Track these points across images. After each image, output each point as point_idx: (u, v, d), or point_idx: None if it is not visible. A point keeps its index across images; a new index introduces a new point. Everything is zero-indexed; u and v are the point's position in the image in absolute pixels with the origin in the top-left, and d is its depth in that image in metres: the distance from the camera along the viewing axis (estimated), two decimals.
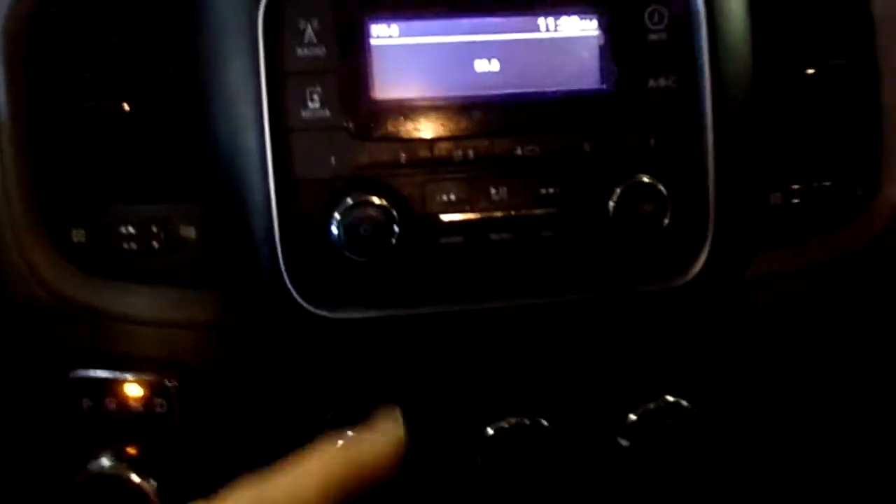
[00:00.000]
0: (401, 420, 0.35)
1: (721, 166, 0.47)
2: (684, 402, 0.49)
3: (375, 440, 0.34)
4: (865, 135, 0.52)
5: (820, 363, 0.54)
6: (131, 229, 0.47)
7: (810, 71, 0.51)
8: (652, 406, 0.49)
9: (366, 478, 0.32)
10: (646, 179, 0.45)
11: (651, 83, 0.46)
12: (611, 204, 0.45)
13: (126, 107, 0.46)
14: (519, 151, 0.46)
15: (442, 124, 0.45)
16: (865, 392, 0.56)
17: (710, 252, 0.47)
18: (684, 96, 0.46)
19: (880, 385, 0.56)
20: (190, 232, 0.48)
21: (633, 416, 0.49)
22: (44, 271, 0.47)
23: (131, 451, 0.49)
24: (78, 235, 0.48)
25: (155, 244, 0.47)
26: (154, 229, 0.47)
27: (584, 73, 0.46)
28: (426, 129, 0.45)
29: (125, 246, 0.47)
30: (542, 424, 0.48)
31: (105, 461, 0.48)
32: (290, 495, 0.30)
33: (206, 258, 0.48)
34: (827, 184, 0.52)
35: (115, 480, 0.47)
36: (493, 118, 0.45)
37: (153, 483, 0.48)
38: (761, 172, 0.50)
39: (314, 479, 0.31)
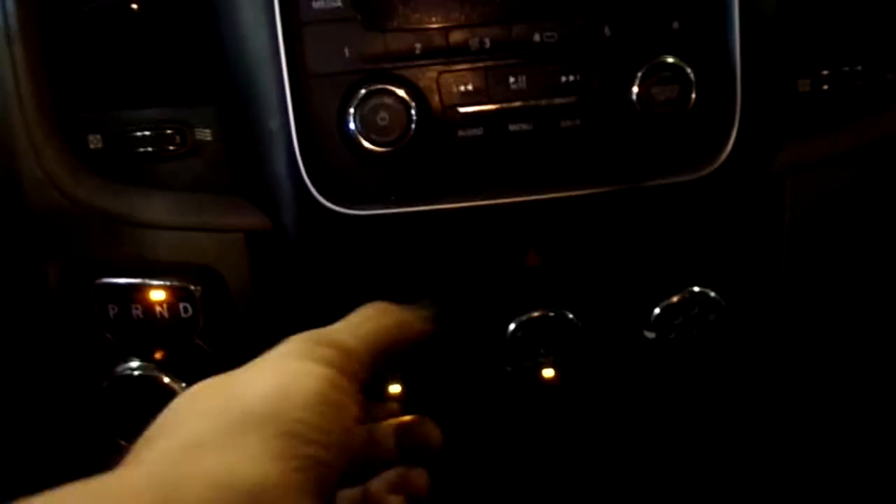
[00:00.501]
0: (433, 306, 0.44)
1: (747, 49, 0.45)
2: (712, 293, 0.48)
3: (411, 310, 0.42)
4: None
5: (846, 256, 0.53)
6: (147, 133, 0.47)
7: None
8: (677, 298, 0.48)
9: (401, 337, 0.40)
10: (670, 60, 0.44)
11: None
12: (634, 89, 0.44)
13: (134, 6, 0.46)
14: (537, 38, 0.44)
15: (457, 11, 0.44)
16: (891, 285, 0.55)
17: (736, 140, 0.46)
18: None
19: None
20: (206, 134, 0.47)
21: (657, 310, 0.49)
22: (62, 178, 0.47)
23: (158, 356, 0.50)
24: (94, 141, 0.48)
25: (171, 147, 0.47)
26: (169, 132, 0.47)
27: None
28: (440, 17, 0.44)
29: (141, 150, 0.47)
30: (568, 317, 0.48)
31: (133, 364, 0.49)
32: (342, 340, 0.36)
33: (223, 161, 0.48)
34: (858, 69, 0.50)
35: (144, 381, 0.48)
36: (509, 3, 0.44)
37: (182, 385, 0.49)
38: (789, 57, 0.48)
39: (363, 329, 0.38)
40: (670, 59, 0.44)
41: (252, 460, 0.29)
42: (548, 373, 0.49)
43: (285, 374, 0.33)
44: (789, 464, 0.60)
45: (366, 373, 0.37)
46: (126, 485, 0.28)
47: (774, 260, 0.50)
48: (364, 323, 0.39)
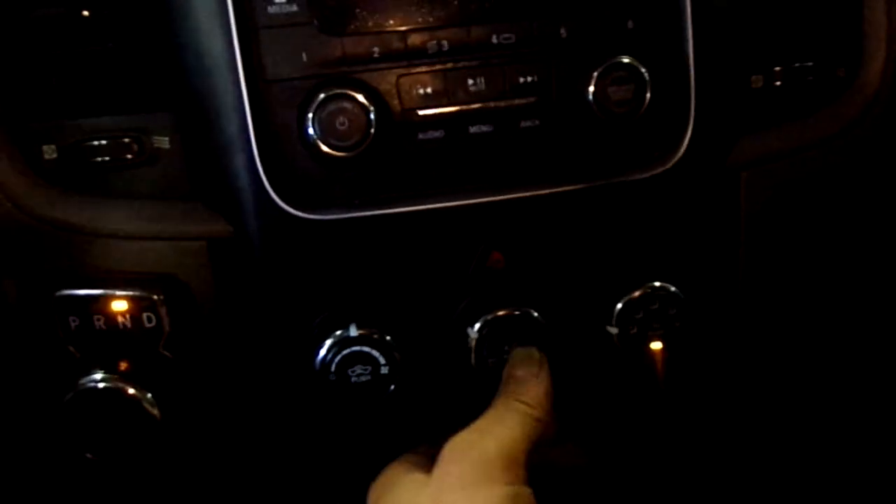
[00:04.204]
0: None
1: (701, 47, 0.46)
2: (672, 288, 0.49)
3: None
4: (848, 13, 0.52)
5: (802, 247, 0.54)
6: (103, 142, 0.46)
7: None
8: (638, 293, 0.49)
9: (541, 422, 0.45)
10: (625, 60, 0.44)
11: None
12: (590, 89, 0.45)
13: (85, 12, 0.45)
14: (495, 39, 0.45)
15: (414, 14, 0.44)
16: (848, 275, 0.56)
17: (691, 137, 0.47)
18: None
19: (864, 268, 0.57)
20: (164, 142, 0.47)
21: (619, 305, 0.49)
22: (16, 190, 0.46)
23: (122, 366, 0.49)
24: (49, 152, 0.47)
25: (128, 156, 0.46)
26: (126, 140, 0.46)
27: None
28: (398, 20, 0.44)
29: (98, 159, 0.46)
30: (532, 315, 0.48)
31: (97, 375, 0.48)
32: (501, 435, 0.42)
33: (182, 168, 0.47)
34: (809, 64, 0.51)
35: (109, 393, 0.47)
36: (466, 6, 0.44)
37: (148, 395, 0.48)
38: (742, 53, 0.49)
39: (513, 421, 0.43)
40: (626, 59, 0.45)
41: None
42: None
43: None
44: (756, 459, 0.62)
45: (528, 459, 0.42)
46: None
47: (732, 253, 0.52)
48: (511, 414, 0.44)
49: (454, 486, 0.39)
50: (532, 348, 0.48)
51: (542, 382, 0.45)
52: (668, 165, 0.47)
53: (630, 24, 0.45)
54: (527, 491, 0.40)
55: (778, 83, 0.51)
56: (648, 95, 0.45)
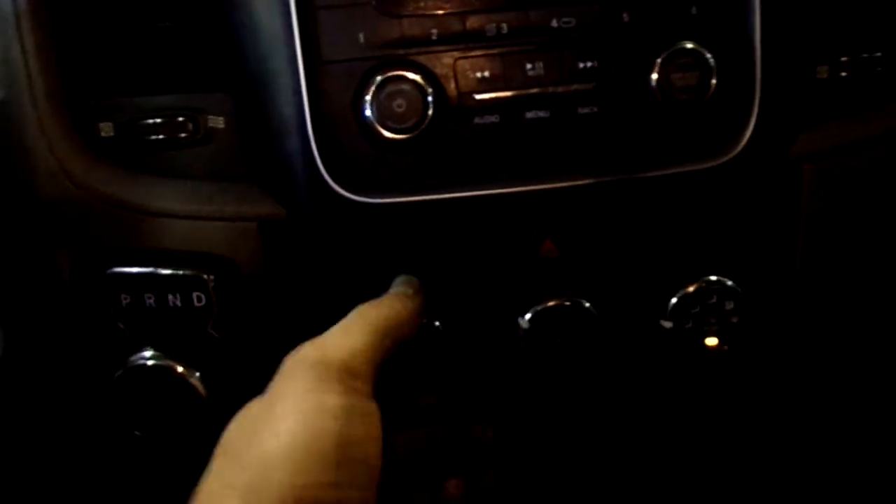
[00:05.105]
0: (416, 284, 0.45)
1: (767, 34, 0.45)
2: (728, 282, 0.48)
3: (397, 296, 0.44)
4: None
5: (864, 243, 0.52)
6: (158, 120, 0.46)
7: None
8: (693, 287, 0.48)
9: (399, 323, 0.41)
10: (689, 46, 0.43)
11: None
12: (653, 76, 0.44)
13: None
14: (555, 23, 0.44)
15: None
16: None
17: (755, 127, 0.45)
18: None
19: None
20: (219, 122, 0.47)
21: (674, 300, 0.48)
22: (74, 168, 0.46)
23: (171, 345, 0.49)
24: (106, 129, 0.47)
25: (183, 135, 0.46)
26: (181, 119, 0.46)
27: None
28: (457, 2, 0.43)
29: (153, 138, 0.47)
30: (584, 306, 0.48)
31: (147, 353, 0.48)
32: (346, 353, 0.38)
33: (236, 148, 0.47)
34: (877, 55, 0.50)
35: (157, 371, 0.48)
36: None
37: (196, 374, 0.49)
38: (808, 43, 0.48)
39: (362, 332, 0.39)
40: (689, 45, 0.43)
41: None
42: (565, 362, 0.49)
43: (305, 420, 0.35)
44: (806, 460, 0.60)
45: (375, 373, 0.39)
46: None
47: (791, 248, 0.50)
48: (360, 324, 0.40)
49: (285, 395, 0.37)
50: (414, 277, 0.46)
51: (407, 301, 0.43)
52: (730, 156, 0.45)
53: (694, 10, 0.44)
54: (366, 405, 0.37)
55: (844, 74, 0.49)
56: (714, 82, 0.43)
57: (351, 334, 0.39)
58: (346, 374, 0.37)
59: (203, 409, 0.49)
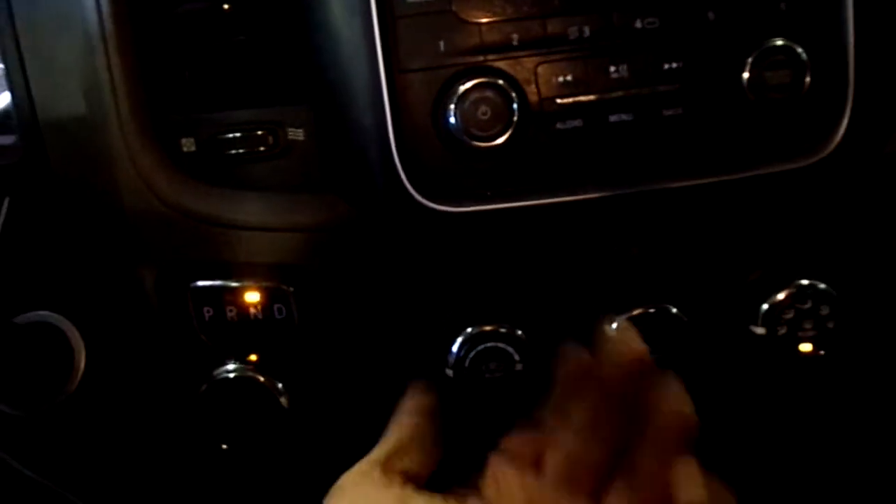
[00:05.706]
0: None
1: (860, 26, 0.43)
2: (821, 285, 0.46)
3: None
4: None
5: None
6: (238, 135, 0.47)
7: None
8: (787, 291, 0.46)
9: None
10: (780, 43, 0.42)
11: None
12: (745, 75, 0.42)
13: (225, 6, 0.46)
14: (638, 24, 0.43)
15: (554, 0, 0.43)
16: None
17: (849, 123, 0.44)
18: None
19: None
20: (298, 134, 0.47)
21: (766, 305, 0.47)
22: (158, 183, 0.47)
23: (253, 357, 0.50)
24: (188, 144, 0.47)
25: (262, 148, 0.47)
26: (261, 133, 0.47)
27: None
28: (537, 6, 0.42)
29: (233, 152, 0.47)
30: (671, 312, 0.46)
31: (230, 366, 0.49)
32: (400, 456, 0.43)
33: (315, 160, 0.47)
34: None
35: (242, 384, 0.48)
36: None
37: (279, 385, 0.49)
38: None
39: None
40: (780, 42, 0.42)
41: None
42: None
43: None
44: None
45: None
46: None
47: (888, 248, 0.48)
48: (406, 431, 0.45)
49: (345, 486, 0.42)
50: None
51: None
52: (824, 153, 0.43)
53: (783, 6, 0.43)
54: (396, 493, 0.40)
55: None
56: (808, 79, 0.42)
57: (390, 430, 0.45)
58: (378, 467, 0.42)
59: (286, 419, 0.49)
